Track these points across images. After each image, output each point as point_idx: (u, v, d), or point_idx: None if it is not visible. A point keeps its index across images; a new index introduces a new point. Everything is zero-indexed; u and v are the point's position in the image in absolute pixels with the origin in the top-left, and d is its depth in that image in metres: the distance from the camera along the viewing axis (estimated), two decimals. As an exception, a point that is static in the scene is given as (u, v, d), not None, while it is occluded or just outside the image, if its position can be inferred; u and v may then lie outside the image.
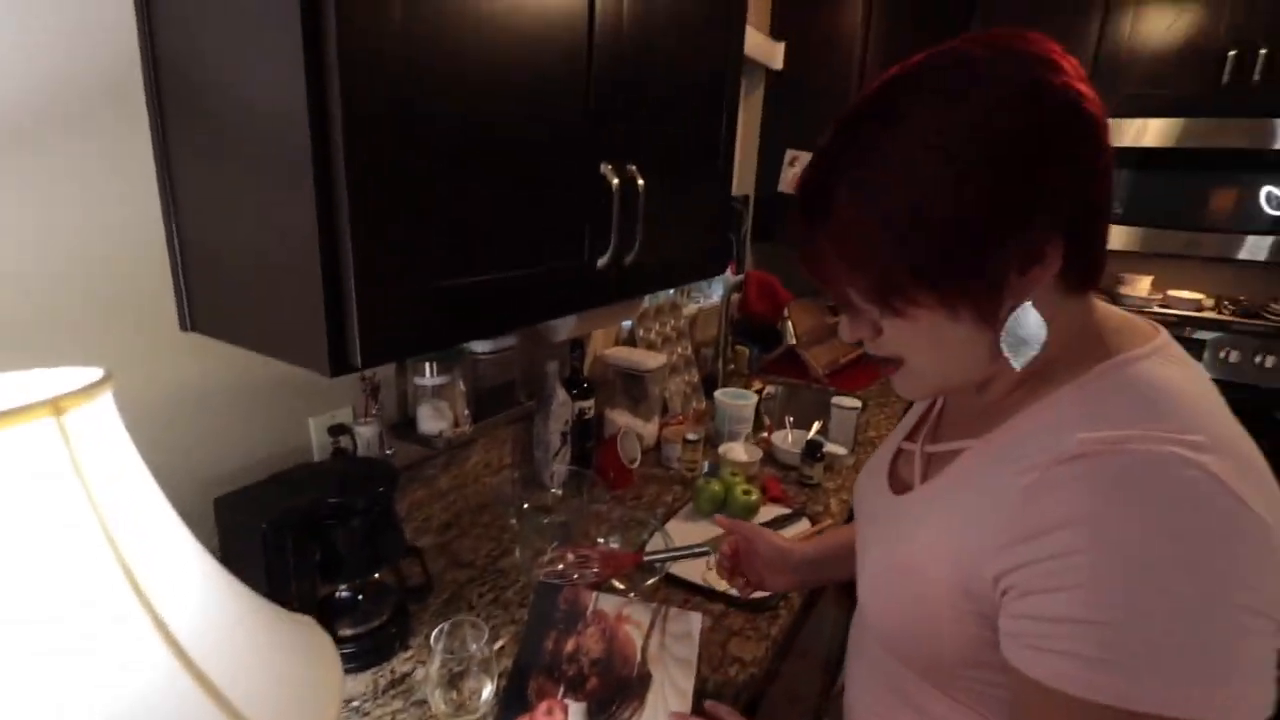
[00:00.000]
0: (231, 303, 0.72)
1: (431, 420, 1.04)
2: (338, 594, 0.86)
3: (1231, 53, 1.87)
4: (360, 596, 0.87)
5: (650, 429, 1.57)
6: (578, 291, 0.90)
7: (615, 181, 0.88)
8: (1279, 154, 1.85)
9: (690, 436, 1.46)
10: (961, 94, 0.45)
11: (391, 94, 0.58)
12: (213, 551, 0.85)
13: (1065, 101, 0.45)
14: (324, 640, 0.55)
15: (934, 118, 0.46)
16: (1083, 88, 0.46)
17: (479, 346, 1.10)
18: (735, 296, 2.09)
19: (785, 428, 1.69)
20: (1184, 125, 1.95)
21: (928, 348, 0.52)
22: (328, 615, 0.84)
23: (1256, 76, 1.86)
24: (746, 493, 1.28)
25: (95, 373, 0.42)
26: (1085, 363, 0.50)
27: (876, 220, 0.48)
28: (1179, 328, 2.27)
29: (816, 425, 1.68)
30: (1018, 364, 0.49)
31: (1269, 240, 1.90)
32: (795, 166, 2.17)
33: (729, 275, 2.13)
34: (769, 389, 2.06)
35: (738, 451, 1.50)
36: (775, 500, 1.36)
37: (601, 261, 0.90)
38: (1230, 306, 2.16)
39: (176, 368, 0.81)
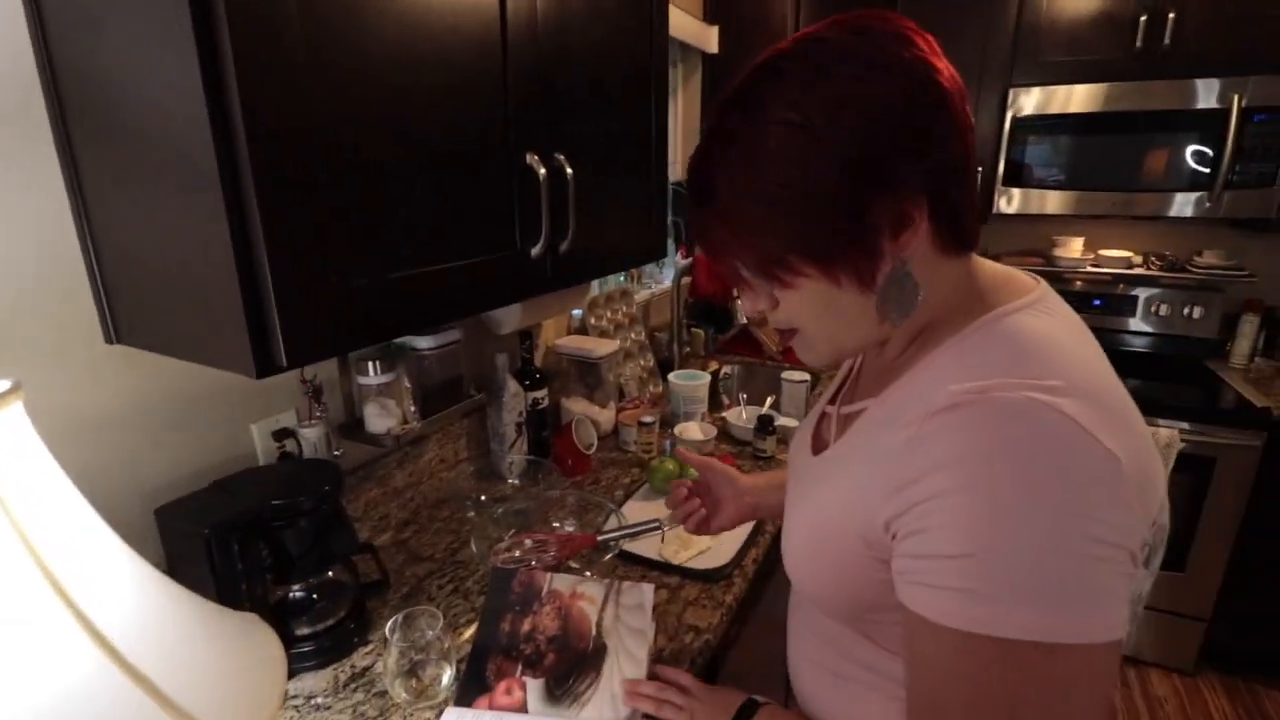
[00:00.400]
0: (155, 313, 0.72)
1: (379, 419, 1.05)
2: (291, 595, 0.86)
3: (1142, 18, 1.94)
4: (315, 595, 0.87)
5: (607, 415, 1.59)
6: (513, 281, 0.91)
7: (542, 172, 0.89)
8: (1199, 113, 1.94)
9: (645, 419, 1.49)
10: (820, 72, 0.48)
11: (295, 98, 0.59)
12: (159, 562, 0.86)
13: (918, 74, 0.48)
14: (267, 633, 0.56)
15: (795, 97, 0.48)
16: (936, 61, 0.49)
17: (421, 343, 1.10)
18: (686, 280, 2.12)
19: (739, 405, 1.72)
20: (1107, 90, 2.02)
21: (818, 315, 0.56)
22: (283, 616, 0.85)
23: (1167, 40, 1.94)
24: (700, 469, 1.31)
25: (2, 384, 0.42)
26: (965, 319, 0.53)
27: (751, 200, 0.51)
28: (1113, 285, 2.37)
29: (770, 400, 1.72)
30: (896, 323, 0.53)
31: (1194, 196, 1.99)
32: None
33: (679, 259, 2.16)
34: (725, 369, 2.10)
35: (693, 430, 1.54)
36: (730, 475, 1.40)
37: (535, 250, 0.92)
38: (1157, 262, 2.26)
39: (106, 381, 0.80)
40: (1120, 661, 0.44)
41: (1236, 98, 1.88)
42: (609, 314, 1.79)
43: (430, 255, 0.76)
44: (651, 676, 0.79)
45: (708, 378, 1.68)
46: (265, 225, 0.58)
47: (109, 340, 0.78)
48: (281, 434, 0.96)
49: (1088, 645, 0.41)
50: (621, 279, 1.96)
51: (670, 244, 2.27)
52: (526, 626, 0.83)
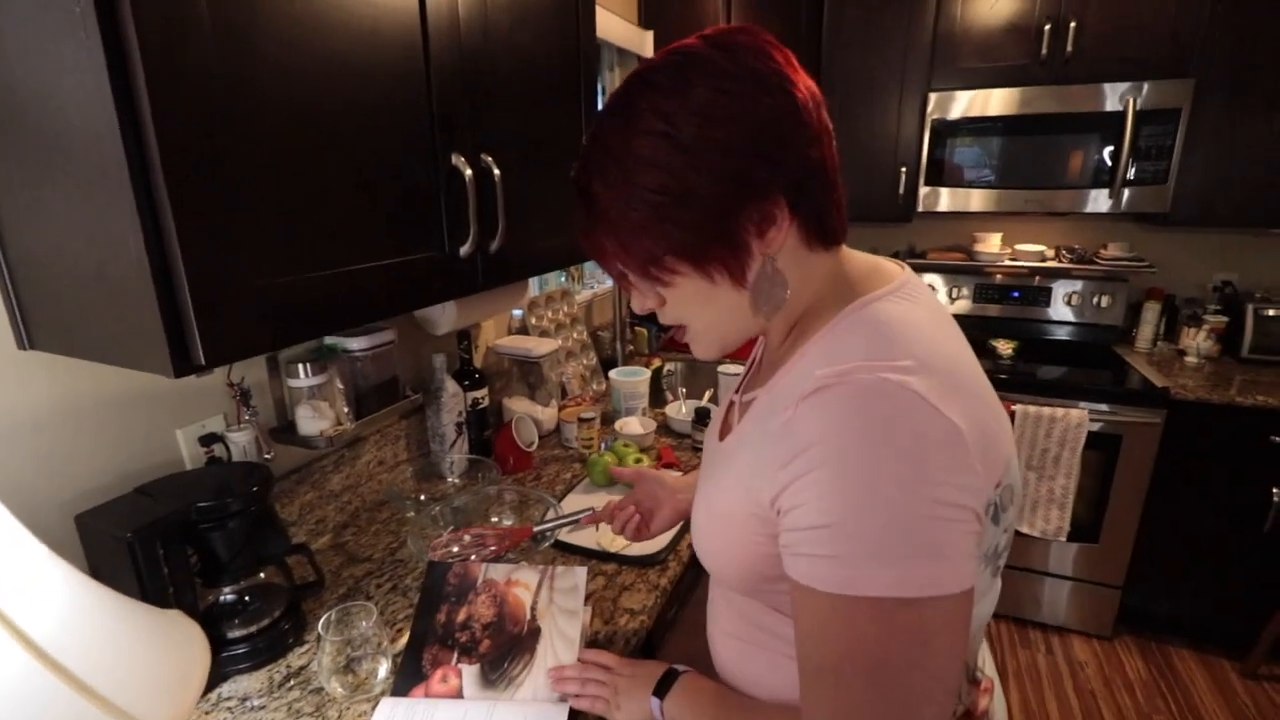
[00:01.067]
0: (69, 317, 0.71)
1: (311, 421, 1.05)
2: (223, 598, 0.86)
3: (1046, 26, 2.08)
4: (248, 598, 0.87)
5: (549, 413, 1.62)
6: (442, 281, 0.93)
7: (469, 173, 0.91)
8: (1102, 116, 2.08)
9: (585, 415, 1.52)
10: (686, 84, 0.53)
11: (207, 95, 0.60)
12: (82, 571, 0.84)
13: (776, 86, 0.53)
14: (189, 628, 0.57)
15: (664, 107, 0.53)
16: (793, 75, 0.54)
17: (354, 344, 1.11)
18: (628, 279, 2.15)
19: (679, 399, 1.77)
20: (1019, 94, 2.15)
21: (700, 311, 0.60)
22: (215, 619, 0.85)
23: (1070, 47, 2.08)
24: (638, 460, 1.35)
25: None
26: (834, 309, 0.57)
27: (625, 205, 0.55)
28: (1029, 278, 2.51)
29: (708, 394, 1.77)
30: (768, 316, 0.58)
31: (1101, 193, 2.14)
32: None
33: (621, 259, 2.19)
34: (668, 366, 2.15)
35: (633, 425, 1.58)
36: (668, 466, 1.44)
37: (464, 250, 0.93)
38: (1067, 255, 2.41)
39: (19, 388, 0.79)
40: (972, 609, 0.49)
41: (1132, 100, 2.02)
42: (550, 314, 1.82)
43: (354, 254, 0.77)
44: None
45: (648, 374, 1.72)
46: (179, 223, 0.59)
47: (21, 346, 0.77)
48: (209, 439, 0.95)
49: (942, 597, 0.46)
50: (562, 279, 1.99)
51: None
52: (462, 615, 0.85)
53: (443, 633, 0.83)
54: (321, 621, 0.79)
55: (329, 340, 1.12)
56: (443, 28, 0.86)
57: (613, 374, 1.71)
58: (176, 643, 0.53)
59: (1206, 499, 2.00)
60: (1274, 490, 1.90)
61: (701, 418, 1.54)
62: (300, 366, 1.04)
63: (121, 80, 0.55)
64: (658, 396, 1.90)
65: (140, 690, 0.47)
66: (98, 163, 0.59)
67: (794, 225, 0.55)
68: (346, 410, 1.09)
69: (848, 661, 0.48)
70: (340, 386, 1.08)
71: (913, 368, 0.48)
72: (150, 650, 0.51)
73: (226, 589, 0.86)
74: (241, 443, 0.98)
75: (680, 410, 1.70)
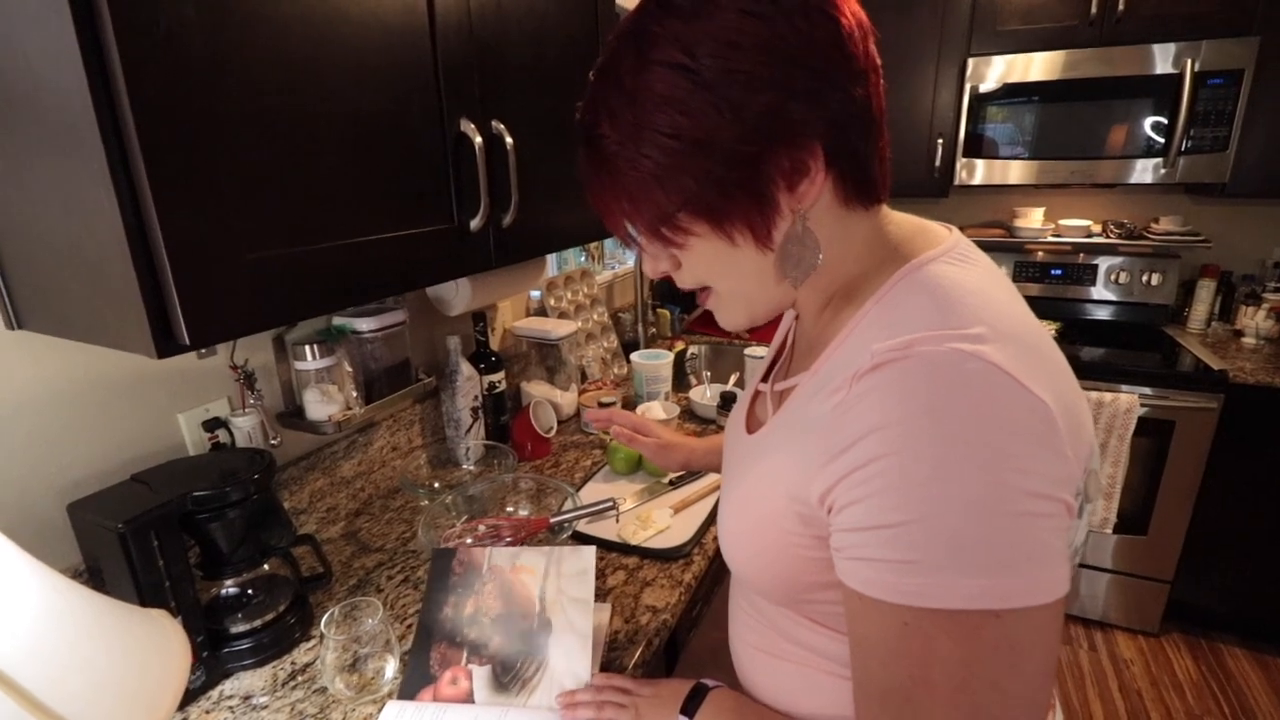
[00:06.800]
0: (53, 295, 0.67)
1: (319, 405, 1.00)
2: (224, 591, 0.82)
3: (1099, -18, 1.95)
4: (250, 591, 0.83)
5: (568, 397, 1.56)
6: (451, 256, 0.87)
7: (479, 140, 0.85)
8: (1155, 79, 1.94)
9: (604, 400, 1.46)
10: (709, 4, 0.44)
11: (185, 53, 0.54)
12: (77, 562, 0.81)
13: (816, 7, 0.44)
14: (170, 630, 0.52)
15: (681, 34, 0.45)
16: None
17: (363, 325, 1.06)
18: (650, 260, 2.08)
19: (704, 383, 1.70)
20: (1065, 57, 2.02)
21: (722, 274, 0.52)
22: (217, 613, 0.81)
23: (1122, 6, 1.94)
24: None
25: None
26: (880, 276, 0.50)
27: (634, 151, 0.47)
28: (1073, 255, 2.38)
29: (734, 378, 1.70)
30: (796, 284, 0.50)
31: (1151, 163, 2.00)
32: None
33: (642, 239, 2.12)
34: (692, 349, 2.08)
35: (655, 410, 1.51)
36: (693, 453, 1.38)
37: (474, 224, 0.87)
38: (1115, 229, 2.28)
39: (8, 370, 0.75)
40: (1063, 620, 0.42)
41: (1189, 62, 1.88)
42: (569, 295, 1.76)
43: (351, 226, 0.72)
44: (603, 664, 0.76)
45: (670, 357, 1.65)
46: (155, 187, 0.53)
47: (9, 326, 0.73)
48: (212, 424, 0.91)
49: (1033, 608, 0.39)
50: (582, 259, 1.92)
51: (633, 224, 2.23)
52: (470, 609, 0.80)
53: (450, 629, 0.78)
54: (325, 618, 0.75)
55: (337, 321, 1.07)
56: (447, -18, 0.79)
57: (634, 357, 1.65)
58: (154, 648, 0.48)
59: (1265, 489, 1.88)
60: (1341, 480, 1.78)
61: (727, 402, 1.47)
62: (307, 348, 0.99)
63: (89, 30, 0.50)
64: (681, 380, 1.83)
65: (108, 707, 0.42)
66: (69, 121, 0.53)
67: (830, 178, 0.48)
68: (356, 394, 1.04)
69: (922, 687, 0.41)
70: (349, 369, 1.03)
71: (985, 335, 0.41)
72: (123, 660, 0.46)
73: (228, 582, 0.82)
74: (246, 428, 0.94)
75: (705, 394, 1.63)
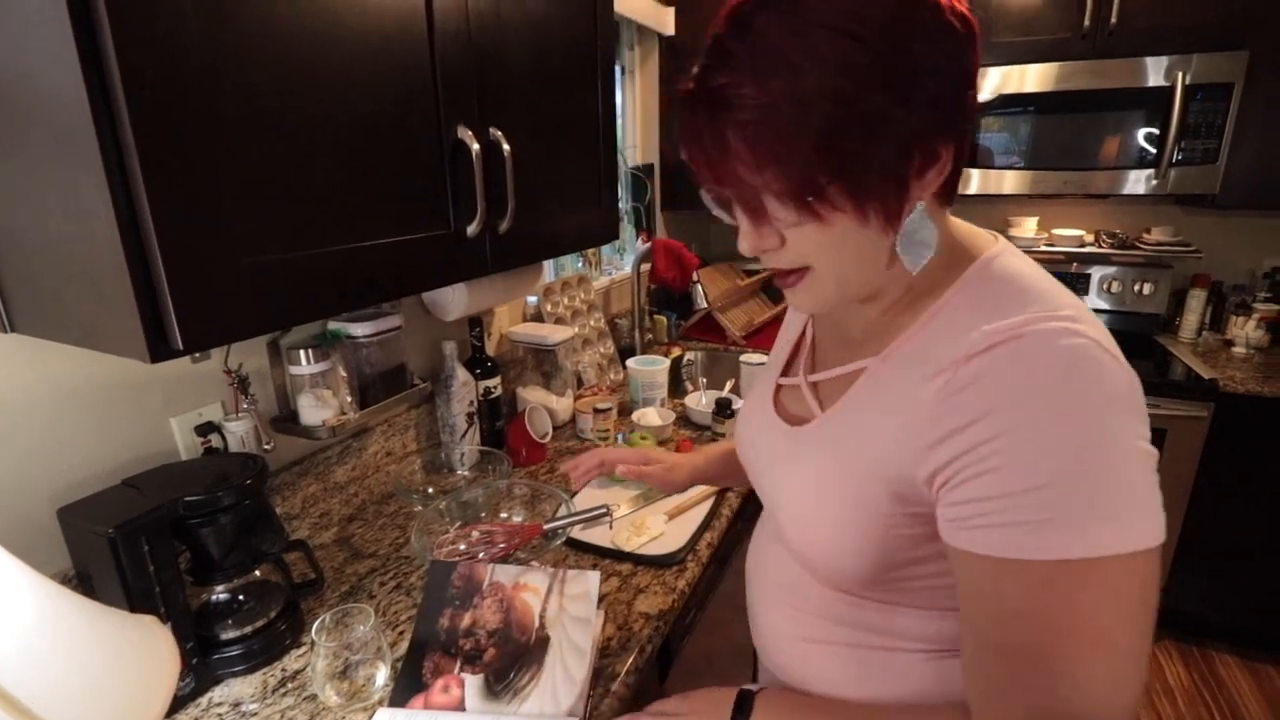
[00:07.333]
0: (47, 298, 0.67)
1: (313, 410, 1.00)
2: (215, 597, 0.81)
3: (1089, -2, 1.97)
4: (242, 597, 0.83)
5: (565, 403, 1.56)
6: (447, 261, 0.87)
7: (475, 147, 0.85)
8: (1147, 91, 1.96)
9: (600, 405, 1.45)
10: None
11: (182, 55, 0.54)
12: (67, 568, 0.80)
13: (954, 9, 0.46)
14: (159, 636, 0.51)
15: (846, 5, 0.43)
16: (958, 4, 0.46)
17: (358, 330, 1.06)
18: (646, 266, 2.09)
19: (699, 389, 1.70)
20: (1057, 70, 2.03)
21: (834, 253, 0.51)
22: (207, 619, 0.80)
23: (1114, 19, 1.96)
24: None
25: None
26: (957, 268, 0.53)
27: (790, 114, 0.44)
28: (1066, 264, 2.40)
29: (729, 384, 1.71)
30: (914, 267, 0.51)
31: (1143, 174, 2.02)
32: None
33: (640, 244, 2.13)
34: (688, 355, 2.08)
35: (651, 416, 1.52)
36: (688, 460, 1.38)
37: (471, 230, 0.88)
38: (1108, 239, 2.29)
39: (7, 372, 0.74)
40: None
41: (1180, 75, 1.90)
42: (565, 300, 1.76)
43: (347, 231, 0.72)
44: (595, 670, 0.76)
45: (666, 363, 1.65)
46: (150, 192, 0.53)
47: (2, 330, 0.72)
48: (205, 428, 0.91)
49: (1155, 549, 0.43)
50: (579, 264, 1.93)
51: (630, 229, 2.23)
52: (466, 621, 0.79)
53: (445, 639, 0.78)
54: (315, 625, 0.74)
55: (332, 326, 1.07)
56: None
57: (631, 363, 1.65)
58: (143, 654, 0.48)
59: (1256, 497, 1.89)
60: (1331, 490, 1.79)
61: (722, 409, 1.47)
62: (302, 353, 0.99)
63: (87, 31, 0.50)
64: (677, 386, 1.83)
65: (96, 713, 0.42)
66: (65, 123, 0.53)
67: (945, 171, 0.49)
68: (350, 399, 1.04)
69: (1069, 635, 0.43)
70: (344, 374, 1.03)
71: (1077, 317, 0.46)
72: (112, 666, 0.45)
73: (219, 588, 0.81)
74: (239, 433, 0.94)
75: (700, 401, 1.64)
